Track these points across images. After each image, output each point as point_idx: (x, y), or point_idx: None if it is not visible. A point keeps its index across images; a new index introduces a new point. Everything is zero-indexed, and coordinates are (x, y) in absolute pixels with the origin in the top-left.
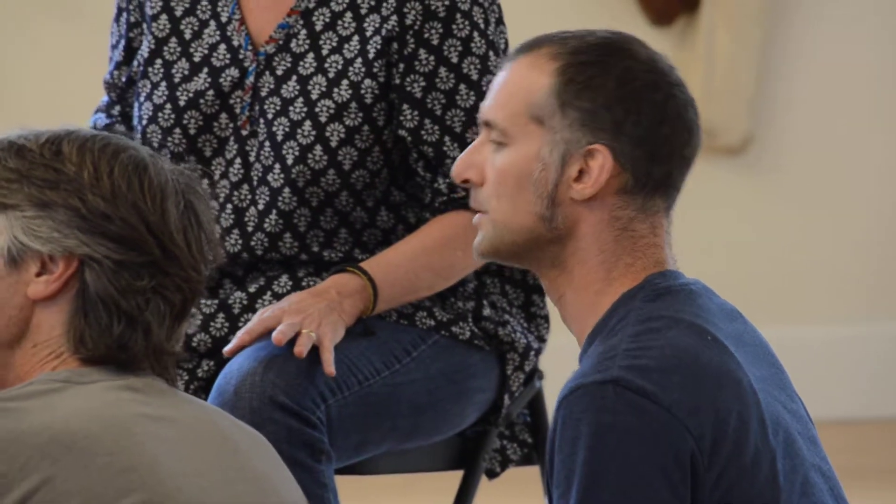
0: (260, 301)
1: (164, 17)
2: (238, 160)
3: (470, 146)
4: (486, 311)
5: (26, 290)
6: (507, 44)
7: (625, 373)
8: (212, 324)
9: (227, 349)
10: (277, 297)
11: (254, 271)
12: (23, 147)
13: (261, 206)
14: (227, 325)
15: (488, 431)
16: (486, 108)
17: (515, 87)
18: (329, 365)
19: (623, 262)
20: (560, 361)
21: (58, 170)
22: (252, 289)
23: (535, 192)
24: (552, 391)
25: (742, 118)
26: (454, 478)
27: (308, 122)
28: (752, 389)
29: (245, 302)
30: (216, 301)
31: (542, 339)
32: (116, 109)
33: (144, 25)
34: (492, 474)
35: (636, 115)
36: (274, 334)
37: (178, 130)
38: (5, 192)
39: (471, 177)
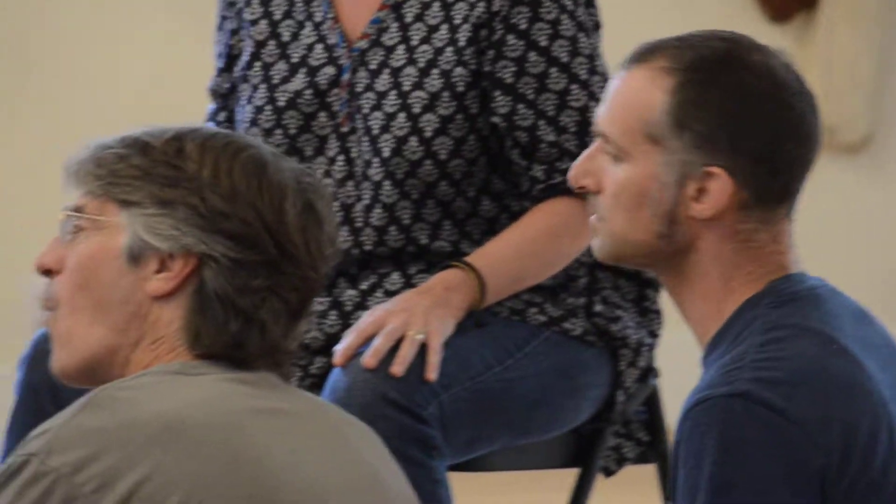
0: (371, 298)
1: (263, 21)
2: (341, 157)
3: (586, 152)
4: (598, 307)
5: (146, 286)
6: (597, 25)
7: (753, 386)
8: (324, 321)
9: (337, 359)
10: (389, 294)
11: (366, 269)
12: (147, 144)
13: (366, 201)
14: (339, 322)
15: (604, 429)
16: (602, 120)
17: (630, 102)
18: (432, 370)
19: (744, 272)
20: (676, 359)
21: (179, 168)
22: (364, 286)
23: (652, 211)
24: (668, 389)
25: (862, 115)
26: (569, 476)
27: (402, 114)
28: (881, 399)
29: (357, 299)
30: (329, 298)
31: (654, 335)
32: (222, 116)
33: (244, 31)
34: (608, 472)
35: (753, 132)
36: (374, 344)
37: (278, 131)
38: (129, 189)
39: (587, 185)
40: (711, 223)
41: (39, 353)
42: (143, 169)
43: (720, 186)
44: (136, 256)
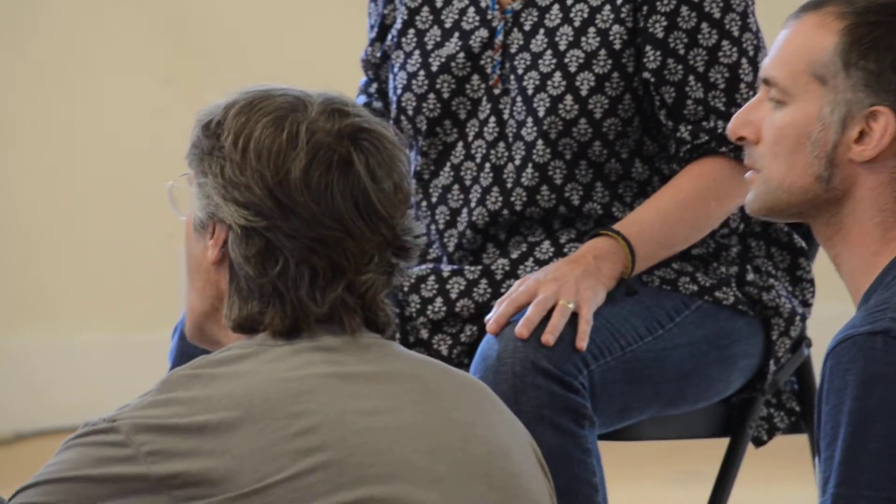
0: (522, 268)
1: None
2: (492, 119)
3: (747, 103)
4: (750, 276)
5: (207, 253)
6: None
7: (894, 324)
8: (475, 289)
9: (490, 327)
10: (539, 263)
11: (515, 235)
12: (212, 118)
13: (517, 162)
14: (489, 290)
15: (754, 399)
16: (767, 66)
17: (799, 46)
18: (583, 338)
19: None
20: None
21: (217, 136)
22: (514, 255)
23: (812, 153)
24: (820, 359)
25: None
26: (719, 445)
27: (558, 73)
28: None
29: (507, 268)
30: (479, 267)
31: (806, 304)
32: (373, 87)
33: (398, 0)
34: (758, 442)
35: None
36: (526, 314)
37: (432, 96)
38: (194, 160)
39: (746, 134)
40: (872, 167)
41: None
42: (196, 141)
43: (883, 126)
44: (197, 225)
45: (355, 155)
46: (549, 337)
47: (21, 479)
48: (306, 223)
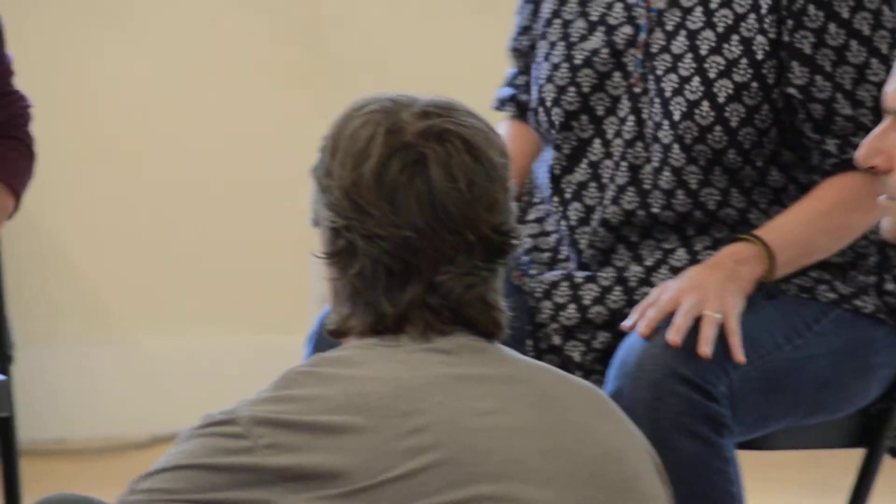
0: (656, 275)
1: None
2: (631, 118)
3: (875, 130)
4: (889, 286)
5: None
6: None
7: None
8: (609, 296)
9: (642, 329)
10: (674, 271)
11: (648, 239)
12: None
13: (655, 164)
14: (623, 298)
15: (891, 408)
16: (892, 96)
17: None
18: (737, 352)
19: None
20: None
21: (324, 142)
22: (649, 262)
23: None
24: None
25: None
26: (855, 456)
27: (696, 78)
28: None
29: (642, 275)
30: (613, 274)
31: None
32: (521, 79)
33: None
34: (895, 453)
35: None
36: (675, 322)
37: (572, 89)
38: (313, 168)
39: (878, 163)
40: None
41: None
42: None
43: None
44: (318, 231)
45: (432, 156)
46: (706, 349)
47: None
48: (380, 224)
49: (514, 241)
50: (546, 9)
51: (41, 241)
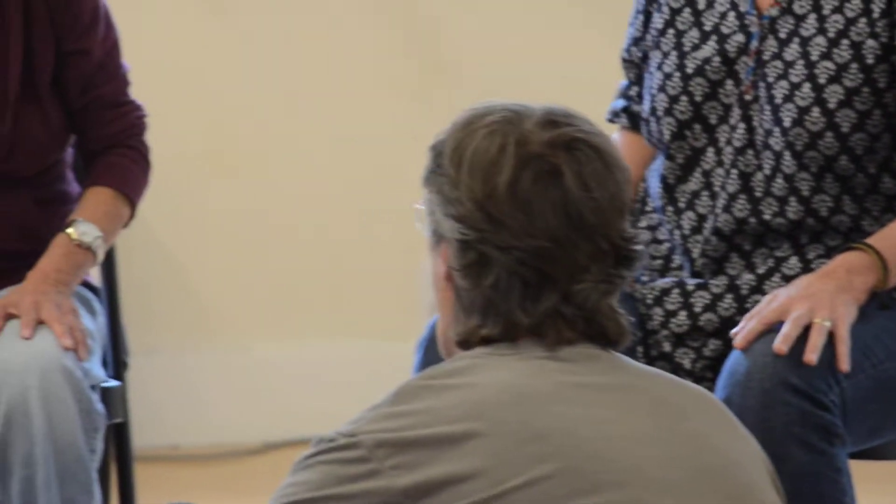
0: (768, 283)
1: None
2: (742, 125)
3: None
4: None
5: (441, 267)
6: None
7: None
8: (720, 304)
9: (738, 342)
10: (787, 279)
11: (761, 247)
12: (440, 137)
13: (766, 171)
14: (734, 305)
15: None
16: None
17: None
18: (843, 360)
19: None
20: None
21: (440, 154)
22: (761, 270)
23: None
24: None
25: None
26: None
27: (807, 85)
28: None
29: (754, 283)
30: (725, 282)
31: None
32: (634, 90)
33: (656, 3)
34: None
35: None
36: (783, 331)
37: (684, 98)
38: (424, 179)
39: None
40: None
41: (436, 336)
42: (428, 161)
43: None
44: (429, 242)
45: (565, 165)
46: (812, 356)
47: (270, 489)
48: (515, 235)
49: (639, 249)
50: (659, 19)
51: (154, 249)
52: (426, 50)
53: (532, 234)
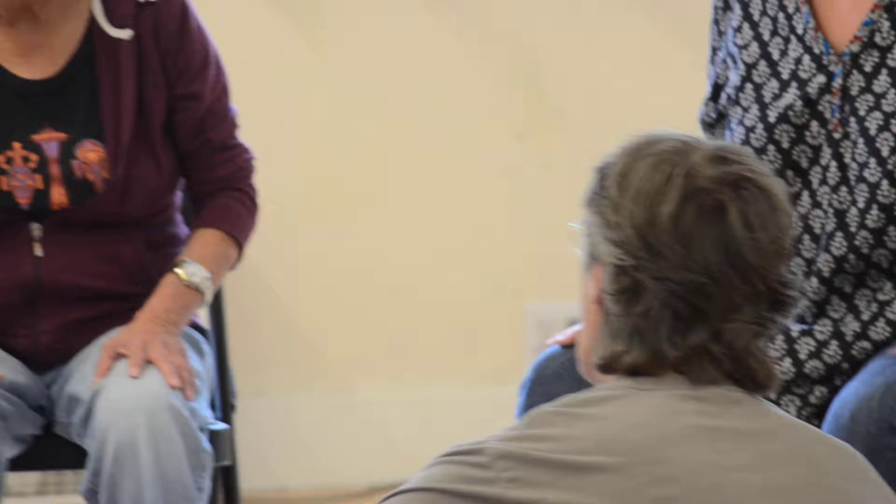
0: (873, 328)
1: (753, 44)
2: (833, 164)
3: None
4: None
5: (593, 291)
6: None
7: None
8: (825, 351)
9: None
10: (891, 324)
11: (862, 288)
12: (607, 160)
13: (861, 204)
14: (840, 353)
15: None
16: None
17: None
18: None
19: None
20: None
21: (605, 177)
22: (865, 316)
23: None
24: None
25: None
26: None
27: None
28: None
29: (858, 330)
30: (830, 328)
31: None
32: None
33: (730, 59)
34: None
35: None
36: None
37: (771, 147)
38: (585, 200)
39: None
40: None
41: (540, 378)
42: (590, 183)
43: None
44: (584, 263)
45: (730, 203)
46: None
47: None
48: (672, 266)
49: (794, 295)
50: (735, 76)
51: (261, 290)
52: (533, 93)
53: (689, 268)
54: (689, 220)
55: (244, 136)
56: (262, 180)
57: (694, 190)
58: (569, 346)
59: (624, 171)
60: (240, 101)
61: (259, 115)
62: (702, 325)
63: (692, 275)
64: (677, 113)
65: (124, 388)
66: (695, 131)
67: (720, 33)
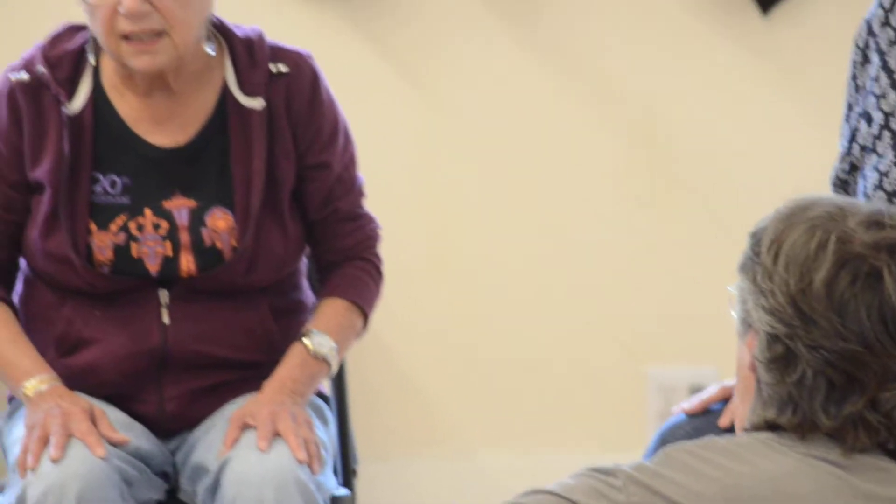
0: None
1: (891, 93)
2: None
3: None
4: None
5: (747, 354)
6: None
7: None
8: None
9: None
10: None
11: None
12: (759, 227)
13: None
14: None
15: None
16: None
17: None
18: None
19: None
20: None
21: (758, 243)
22: None
23: None
24: None
25: None
26: None
27: None
28: None
29: None
30: None
31: None
32: None
33: (868, 108)
34: None
35: None
36: None
37: None
38: (740, 266)
39: None
40: None
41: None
42: (745, 249)
43: None
44: (738, 329)
45: (887, 268)
46: None
47: None
48: (826, 335)
49: None
50: (871, 125)
51: (382, 356)
52: (656, 157)
53: (844, 337)
54: (843, 288)
55: (368, 202)
56: (384, 246)
57: (849, 256)
58: (695, 415)
59: (777, 237)
60: (363, 168)
61: (381, 182)
62: (858, 393)
63: (847, 343)
64: (801, 177)
65: (252, 461)
66: (822, 187)
67: (857, 88)
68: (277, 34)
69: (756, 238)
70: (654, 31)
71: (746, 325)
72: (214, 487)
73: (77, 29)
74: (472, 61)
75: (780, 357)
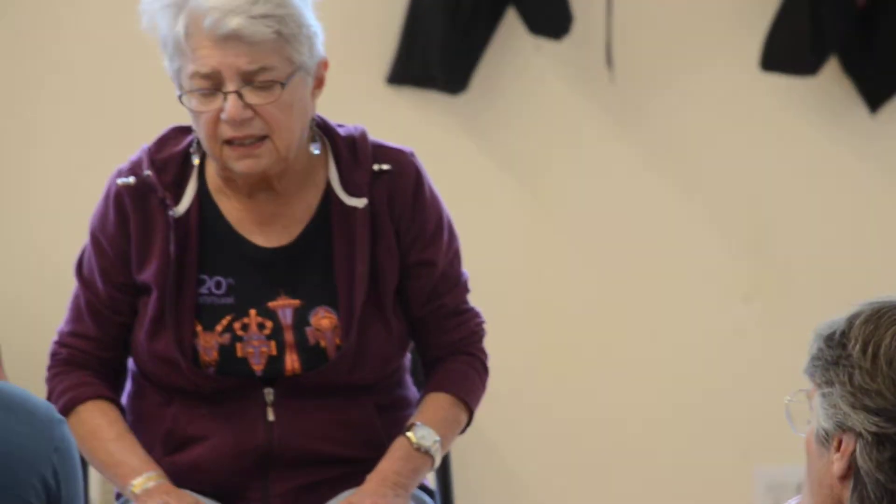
0: None
1: None
2: None
3: None
4: None
5: (832, 468)
6: None
7: None
8: None
9: None
10: None
11: None
12: (835, 329)
13: None
14: None
15: None
16: None
17: None
18: None
19: None
20: None
21: (843, 346)
22: None
23: None
24: None
25: None
26: None
27: None
28: None
29: None
30: None
31: None
32: None
33: None
34: None
35: None
36: None
37: None
38: (816, 371)
39: None
40: None
41: None
42: (817, 353)
43: None
44: (821, 437)
45: None
46: None
47: None
48: None
49: None
50: None
51: (485, 450)
52: (760, 253)
53: None
54: None
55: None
56: (489, 341)
57: None
58: None
59: (871, 338)
60: (468, 263)
61: (486, 277)
62: None
63: None
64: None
65: None
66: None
67: None
68: (383, 131)
69: (836, 340)
70: (759, 129)
71: (839, 429)
72: None
73: (183, 130)
74: (578, 157)
75: (893, 456)
